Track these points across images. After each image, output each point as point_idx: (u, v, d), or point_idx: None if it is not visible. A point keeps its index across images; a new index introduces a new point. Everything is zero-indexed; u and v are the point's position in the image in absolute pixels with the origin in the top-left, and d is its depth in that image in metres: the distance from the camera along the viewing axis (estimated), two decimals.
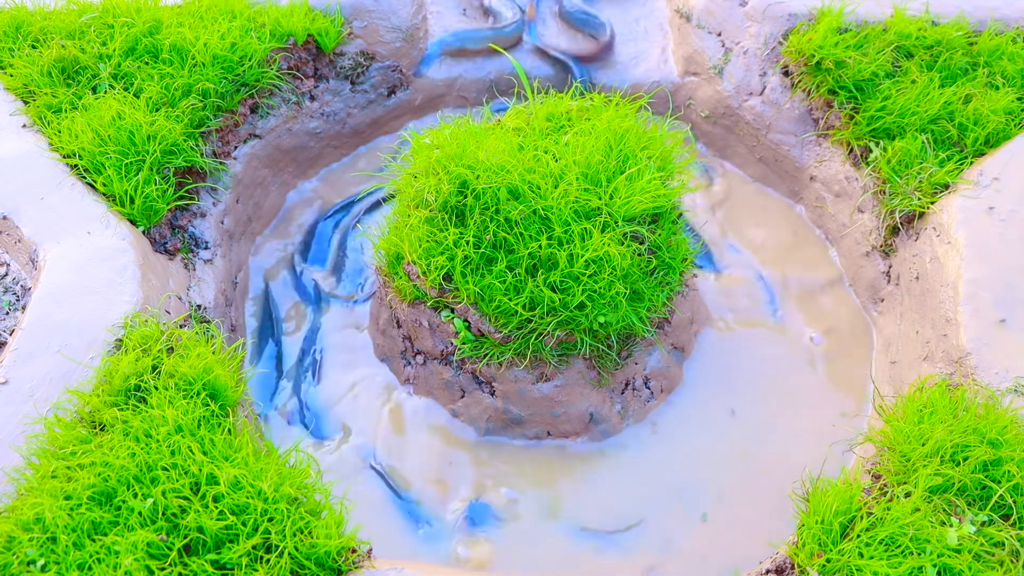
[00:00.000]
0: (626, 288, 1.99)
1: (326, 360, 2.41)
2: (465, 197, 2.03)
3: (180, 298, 2.16)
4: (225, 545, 1.56)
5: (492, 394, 2.20)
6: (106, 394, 1.76)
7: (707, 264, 2.63)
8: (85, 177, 2.17)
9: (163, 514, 1.57)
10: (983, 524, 1.60)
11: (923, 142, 2.31)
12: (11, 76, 2.36)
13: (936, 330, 2.07)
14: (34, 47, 2.42)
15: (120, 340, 1.88)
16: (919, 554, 1.55)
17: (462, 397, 2.25)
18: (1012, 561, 1.55)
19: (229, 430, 1.78)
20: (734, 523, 2.12)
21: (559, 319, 1.97)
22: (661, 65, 3.01)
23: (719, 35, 2.85)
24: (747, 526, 2.11)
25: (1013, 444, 1.68)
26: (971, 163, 2.27)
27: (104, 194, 2.16)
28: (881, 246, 2.41)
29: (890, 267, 2.40)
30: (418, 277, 2.09)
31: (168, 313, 2.06)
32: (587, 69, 2.96)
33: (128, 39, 2.41)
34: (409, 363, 2.32)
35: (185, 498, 1.60)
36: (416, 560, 2.04)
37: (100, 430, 1.72)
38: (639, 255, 2.04)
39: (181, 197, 2.31)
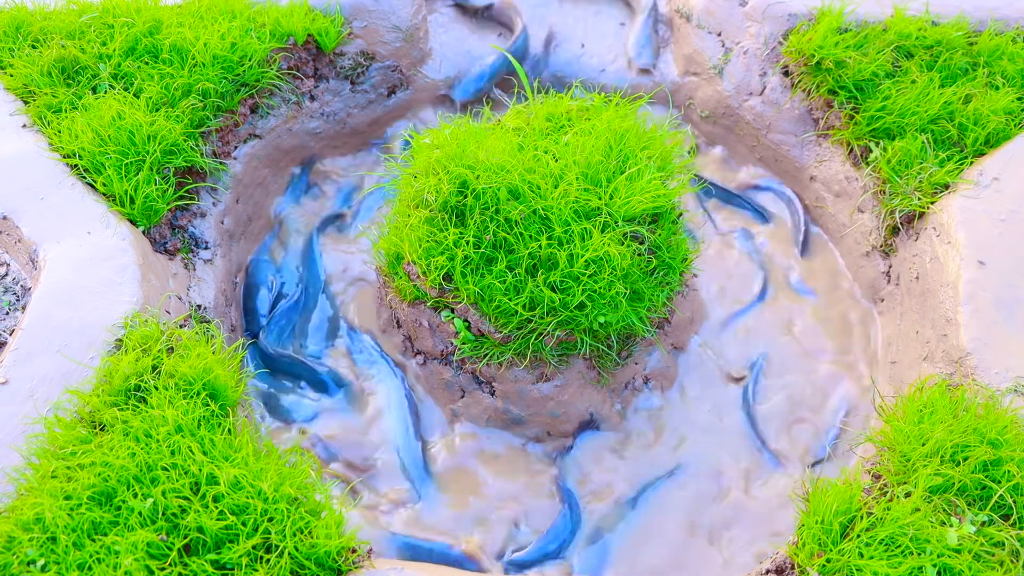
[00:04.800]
0: (626, 288, 1.99)
1: None
2: (465, 197, 2.03)
3: (180, 298, 2.16)
4: (225, 545, 1.56)
5: (492, 394, 2.20)
6: (106, 394, 1.76)
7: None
8: (85, 177, 2.17)
9: (163, 514, 1.57)
10: (983, 524, 1.60)
11: (923, 142, 2.31)
12: (11, 76, 2.36)
13: (936, 330, 2.07)
14: (34, 47, 2.42)
15: (120, 340, 1.88)
16: (919, 554, 1.56)
17: (462, 397, 2.25)
18: (1012, 561, 1.55)
19: (229, 430, 1.78)
20: (733, 522, 2.13)
21: (559, 319, 1.97)
22: (661, 65, 3.01)
23: (719, 35, 2.85)
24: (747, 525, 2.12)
25: (1013, 444, 1.68)
26: (971, 163, 2.27)
27: (104, 194, 2.16)
28: (881, 246, 2.41)
29: (890, 267, 2.40)
30: (418, 277, 2.09)
31: (168, 313, 2.06)
32: None
33: (128, 39, 2.41)
34: (409, 363, 2.32)
35: (185, 498, 1.60)
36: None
37: (100, 430, 1.72)
38: (639, 255, 2.04)
39: (181, 197, 2.31)
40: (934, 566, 1.54)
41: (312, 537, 1.61)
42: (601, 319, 1.99)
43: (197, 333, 1.97)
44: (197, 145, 2.35)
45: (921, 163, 2.28)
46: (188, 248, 2.32)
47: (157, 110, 2.31)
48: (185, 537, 1.56)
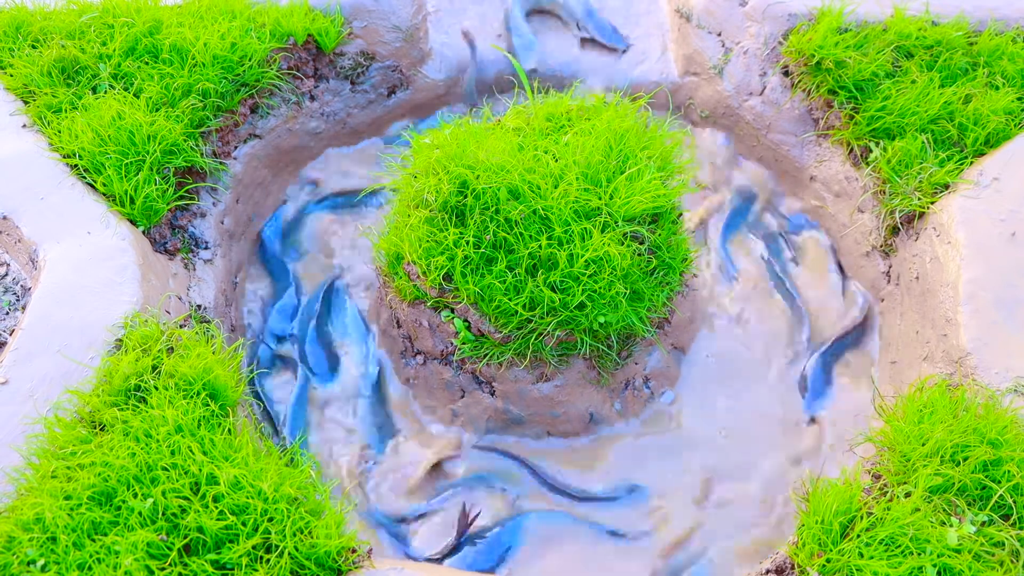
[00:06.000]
0: (626, 288, 1.99)
1: None
2: (465, 197, 2.03)
3: (180, 298, 2.16)
4: (225, 545, 1.56)
5: (492, 394, 2.20)
6: (106, 394, 1.76)
7: None
8: (85, 177, 2.17)
9: (163, 514, 1.57)
10: (983, 524, 1.60)
11: (923, 142, 2.31)
12: (11, 76, 2.36)
13: (936, 330, 2.08)
14: (34, 47, 2.42)
15: (120, 340, 1.88)
16: (919, 554, 1.56)
17: (462, 397, 2.25)
18: (1012, 561, 1.55)
19: (229, 430, 1.78)
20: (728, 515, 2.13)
21: (559, 319, 1.97)
22: (661, 65, 3.01)
23: (719, 35, 2.84)
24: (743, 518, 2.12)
25: (1013, 444, 1.68)
26: (971, 163, 2.27)
27: (104, 194, 2.16)
28: (881, 246, 2.41)
29: (890, 267, 2.40)
30: (418, 277, 2.09)
31: (168, 313, 2.06)
32: None
33: (128, 39, 2.41)
34: (409, 363, 2.32)
35: (185, 498, 1.60)
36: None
37: (100, 430, 1.72)
38: (639, 255, 2.04)
39: (181, 197, 2.31)
40: (934, 566, 1.54)
41: (312, 537, 1.61)
42: (601, 319, 1.99)
43: (197, 333, 1.97)
44: (197, 145, 2.35)
45: (921, 163, 2.28)
46: (188, 248, 2.32)
47: (157, 110, 2.31)
48: (185, 537, 1.56)
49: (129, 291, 1.97)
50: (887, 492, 1.71)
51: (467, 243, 1.99)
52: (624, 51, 3.02)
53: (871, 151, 2.41)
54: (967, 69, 2.45)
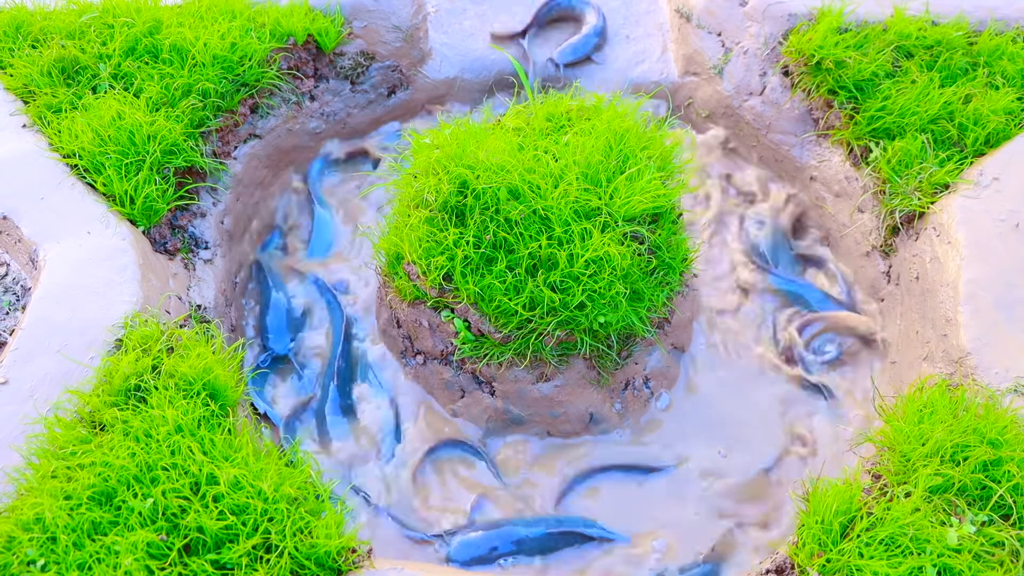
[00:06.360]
0: (626, 288, 1.99)
1: None
2: (465, 197, 2.03)
3: (180, 298, 2.16)
4: (225, 545, 1.56)
5: (492, 394, 2.20)
6: (106, 394, 1.76)
7: None
8: (85, 177, 2.17)
9: (163, 514, 1.57)
10: (983, 524, 1.60)
11: (923, 142, 2.31)
12: (11, 76, 2.36)
13: (936, 330, 2.08)
14: (34, 47, 2.42)
15: (120, 340, 1.88)
16: (919, 554, 1.56)
17: (462, 397, 2.25)
18: (1012, 561, 1.55)
19: (229, 430, 1.78)
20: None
21: (559, 319, 1.97)
22: (661, 65, 3.01)
23: (719, 35, 2.85)
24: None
25: (1013, 444, 1.69)
26: (971, 163, 2.27)
27: (104, 194, 2.17)
28: (881, 246, 2.41)
29: (890, 267, 2.40)
30: (418, 277, 2.09)
31: (168, 313, 2.06)
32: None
33: (128, 39, 2.41)
34: (409, 363, 2.32)
35: (185, 498, 1.60)
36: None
37: (100, 430, 1.72)
38: (639, 255, 2.04)
39: (181, 197, 2.31)
40: (934, 566, 1.54)
41: (312, 537, 1.61)
42: (601, 319, 1.99)
43: (197, 333, 1.97)
44: (197, 145, 2.35)
45: (921, 163, 2.28)
46: (188, 248, 2.32)
47: (157, 110, 2.31)
48: (185, 537, 1.56)
49: (129, 291, 1.97)
50: (887, 492, 1.71)
51: (467, 243, 1.99)
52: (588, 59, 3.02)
53: (871, 151, 2.41)
54: (967, 69, 2.45)
